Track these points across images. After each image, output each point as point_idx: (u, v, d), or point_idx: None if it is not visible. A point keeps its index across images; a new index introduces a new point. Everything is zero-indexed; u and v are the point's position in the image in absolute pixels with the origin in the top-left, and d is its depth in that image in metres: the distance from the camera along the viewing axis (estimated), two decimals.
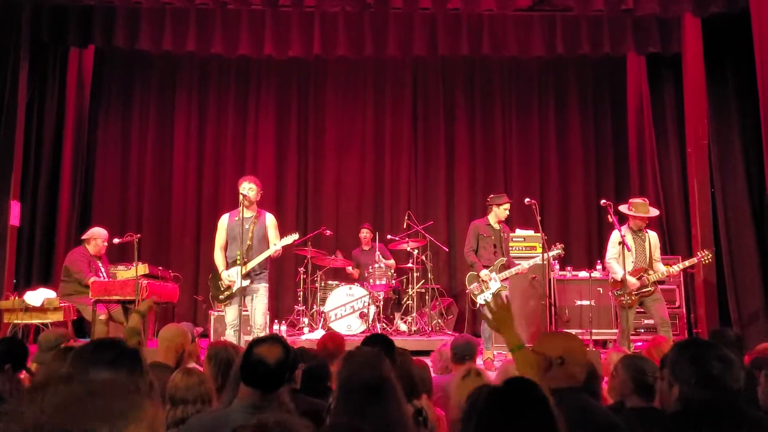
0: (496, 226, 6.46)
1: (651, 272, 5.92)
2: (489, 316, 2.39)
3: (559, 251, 6.47)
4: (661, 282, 6.15)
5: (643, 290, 5.88)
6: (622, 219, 6.26)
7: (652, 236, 6.15)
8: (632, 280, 5.81)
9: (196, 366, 3.24)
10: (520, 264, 6.42)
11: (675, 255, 7.43)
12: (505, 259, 6.37)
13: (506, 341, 2.34)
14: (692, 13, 7.13)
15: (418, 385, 2.80)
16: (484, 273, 6.24)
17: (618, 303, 5.94)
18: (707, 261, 6.16)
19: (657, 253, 6.13)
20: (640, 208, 6.11)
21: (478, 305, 6.34)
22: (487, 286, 6.23)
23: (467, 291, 6.46)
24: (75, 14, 7.60)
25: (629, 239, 5.96)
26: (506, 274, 6.29)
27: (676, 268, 6.16)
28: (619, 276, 5.86)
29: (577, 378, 2.32)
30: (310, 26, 7.67)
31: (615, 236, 6.02)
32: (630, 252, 5.89)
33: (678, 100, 7.97)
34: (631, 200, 6.27)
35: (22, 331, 6.34)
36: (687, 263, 6.20)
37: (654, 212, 6.36)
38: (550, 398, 1.61)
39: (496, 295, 2.31)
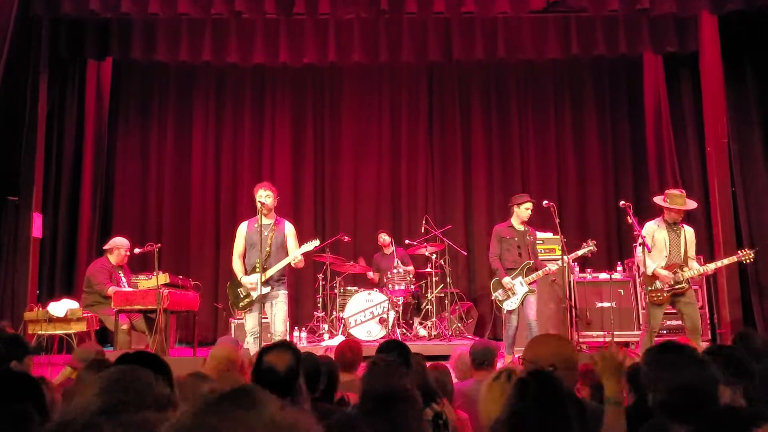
0: (520, 228, 6.26)
1: (686, 269, 5.59)
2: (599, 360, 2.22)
3: (591, 248, 6.19)
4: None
5: (677, 287, 5.54)
6: (658, 212, 5.90)
7: (689, 232, 5.75)
8: (665, 273, 5.50)
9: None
10: (547, 266, 6.22)
11: (697, 255, 7.30)
12: (531, 261, 6.15)
13: (606, 389, 2.15)
14: (709, 11, 7.06)
15: (437, 390, 2.80)
16: (506, 280, 6.05)
17: (649, 299, 5.63)
18: (749, 261, 5.73)
19: (692, 250, 5.74)
20: (676, 199, 5.66)
21: (504, 311, 6.17)
22: (513, 292, 6.07)
23: (492, 298, 6.30)
24: (92, 27, 7.70)
25: (663, 234, 5.63)
26: (534, 276, 6.08)
27: (711, 266, 5.80)
28: (649, 270, 5.54)
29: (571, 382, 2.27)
30: (324, 33, 7.70)
31: (646, 230, 5.68)
32: (660, 248, 5.59)
33: (696, 99, 7.89)
34: (667, 191, 5.85)
35: (46, 342, 6.41)
36: (726, 261, 5.84)
37: (691, 204, 5.91)
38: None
39: (613, 343, 2.25)
